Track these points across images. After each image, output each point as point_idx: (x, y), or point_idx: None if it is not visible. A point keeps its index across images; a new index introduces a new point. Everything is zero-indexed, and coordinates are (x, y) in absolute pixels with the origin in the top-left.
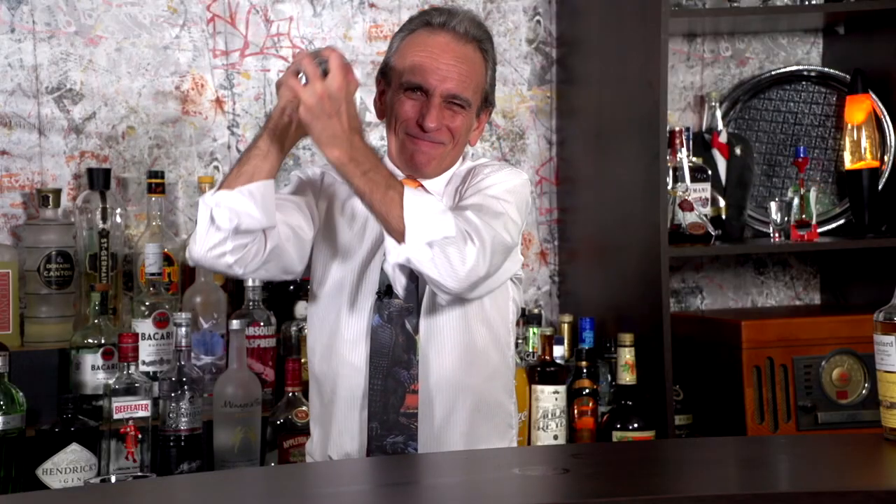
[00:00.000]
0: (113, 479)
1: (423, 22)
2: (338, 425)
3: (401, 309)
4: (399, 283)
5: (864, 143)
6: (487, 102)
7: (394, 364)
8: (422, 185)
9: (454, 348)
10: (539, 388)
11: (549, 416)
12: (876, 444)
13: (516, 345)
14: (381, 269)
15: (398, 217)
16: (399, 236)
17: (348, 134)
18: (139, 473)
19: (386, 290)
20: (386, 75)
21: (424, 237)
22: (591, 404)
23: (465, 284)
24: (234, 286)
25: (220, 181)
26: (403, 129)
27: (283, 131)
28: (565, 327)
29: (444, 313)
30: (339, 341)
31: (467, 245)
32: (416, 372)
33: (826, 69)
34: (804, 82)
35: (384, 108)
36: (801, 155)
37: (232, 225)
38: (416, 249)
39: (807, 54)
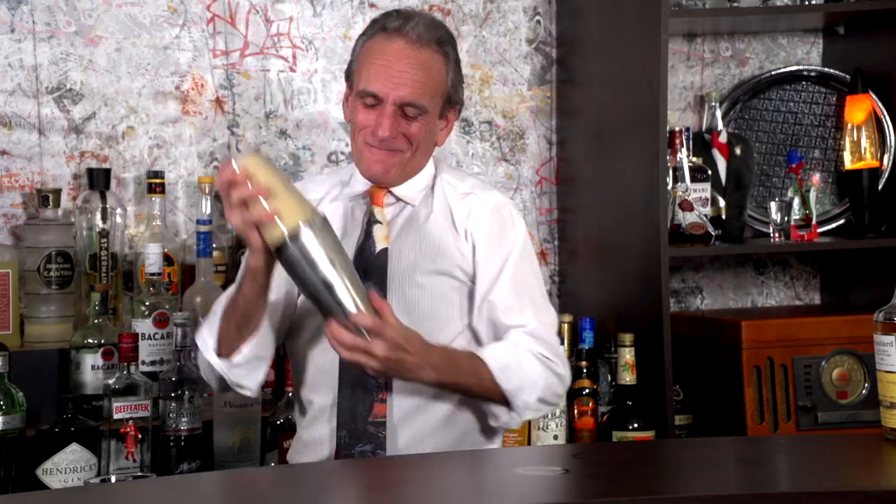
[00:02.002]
0: (113, 479)
1: (380, 27)
2: (311, 433)
3: None
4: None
5: (864, 143)
6: (451, 102)
7: (363, 372)
8: (390, 192)
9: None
10: None
11: (549, 416)
12: (876, 444)
13: None
14: None
15: (498, 392)
16: (506, 405)
17: (423, 356)
18: (139, 473)
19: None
20: (349, 79)
21: (529, 399)
22: (591, 404)
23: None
24: None
25: (218, 331)
26: (362, 137)
27: (264, 271)
28: (565, 327)
29: (408, 324)
30: (313, 348)
31: (556, 375)
32: (383, 380)
33: (826, 69)
34: (804, 82)
35: (348, 113)
36: (795, 161)
37: (253, 384)
38: (528, 411)
39: (807, 54)
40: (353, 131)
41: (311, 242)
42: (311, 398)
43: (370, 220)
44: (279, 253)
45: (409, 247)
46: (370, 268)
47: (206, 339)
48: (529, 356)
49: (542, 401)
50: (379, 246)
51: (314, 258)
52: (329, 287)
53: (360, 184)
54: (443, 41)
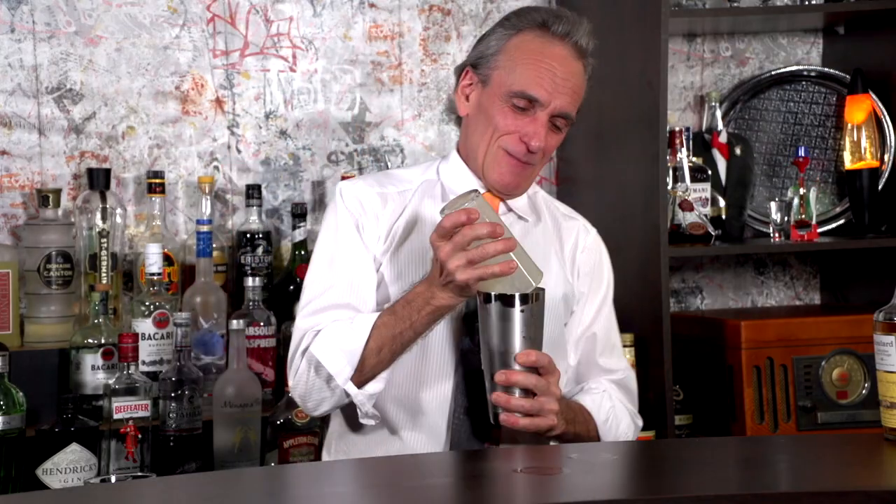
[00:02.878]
0: (113, 479)
1: (537, 24)
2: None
3: None
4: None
5: (864, 143)
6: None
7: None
8: (503, 201)
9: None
10: None
11: None
12: (876, 444)
13: None
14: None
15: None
16: None
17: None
18: (139, 473)
19: (474, 312)
20: (480, 70)
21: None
22: None
23: None
24: (234, 286)
25: (359, 360)
26: (503, 143)
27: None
28: None
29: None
30: (424, 367)
31: (637, 429)
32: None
33: (826, 69)
34: (804, 82)
35: (471, 105)
36: (802, 155)
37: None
38: None
39: (807, 54)
40: (483, 130)
41: (542, 304)
42: (416, 419)
43: None
44: (486, 301)
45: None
46: None
47: (343, 367)
48: (624, 411)
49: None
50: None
51: (539, 319)
52: (504, 349)
53: (474, 185)
54: (591, 56)
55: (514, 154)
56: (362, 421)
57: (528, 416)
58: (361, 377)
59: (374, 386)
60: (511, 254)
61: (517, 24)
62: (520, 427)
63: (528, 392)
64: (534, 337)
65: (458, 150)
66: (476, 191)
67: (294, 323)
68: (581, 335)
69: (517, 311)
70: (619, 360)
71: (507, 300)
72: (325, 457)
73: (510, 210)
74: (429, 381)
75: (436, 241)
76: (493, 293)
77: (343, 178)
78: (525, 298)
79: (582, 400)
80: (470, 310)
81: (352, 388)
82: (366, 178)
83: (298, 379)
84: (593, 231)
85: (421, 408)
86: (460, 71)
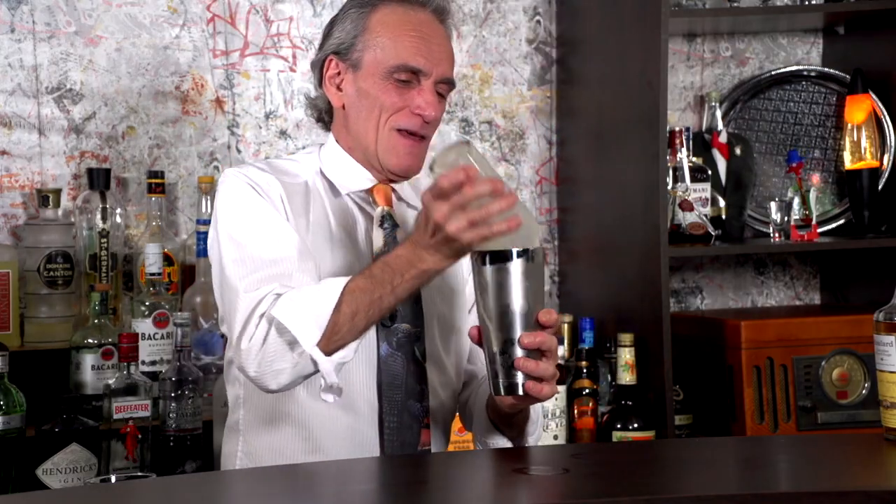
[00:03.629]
0: (113, 479)
1: None
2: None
3: (409, 334)
4: (409, 307)
5: (864, 143)
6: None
7: (408, 397)
8: (394, 191)
9: (453, 372)
10: None
11: (549, 416)
12: (876, 444)
13: None
14: None
15: None
16: None
17: None
18: (139, 473)
19: (390, 315)
20: (346, 56)
21: None
22: (591, 404)
23: None
24: None
25: (328, 326)
26: (394, 122)
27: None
28: (565, 327)
29: (443, 335)
30: (343, 380)
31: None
32: (427, 404)
33: (826, 69)
34: (804, 82)
35: (346, 94)
36: (795, 161)
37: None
38: None
39: (807, 54)
40: (373, 115)
41: (541, 260)
42: (338, 432)
43: (389, 225)
44: (494, 262)
45: None
46: None
47: (311, 331)
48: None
49: None
50: None
51: (539, 278)
52: (527, 310)
53: (363, 179)
54: (451, 15)
55: (410, 129)
56: (323, 396)
57: (542, 382)
58: (329, 345)
59: (342, 354)
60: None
61: (363, 1)
62: (543, 395)
63: (537, 354)
64: (542, 294)
65: (339, 142)
66: (468, 141)
67: (237, 296)
68: None
69: (532, 267)
70: None
71: (524, 256)
72: (231, 448)
73: (400, 199)
74: (351, 394)
75: (430, 201)
76: (513, 250)
77: None
78: (534, 254)
79: None
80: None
81: (319, 355)
82: (255, 165)
83: (253, 345)
84: None
85: (345, 423)
86: (321, 64)
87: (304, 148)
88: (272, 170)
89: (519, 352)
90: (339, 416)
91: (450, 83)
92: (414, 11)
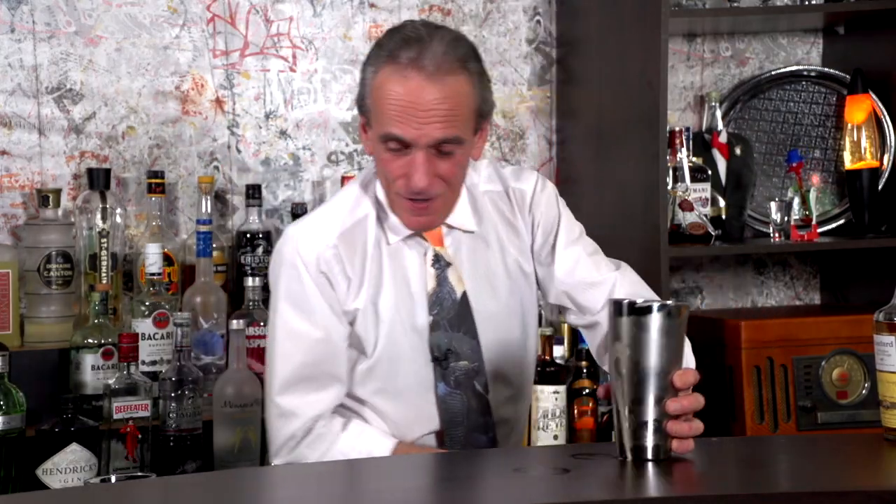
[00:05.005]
0: (113, 479)
1: (389, 56)
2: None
3: (467, 370)
4: (466, 344)
5: (864, 143)
6: (483, 115)
7: (470, 431)
8: (444, 223)
9: (520, 399)
10: (539, 388)
11: (549, 416)
12: (876, 444)
13: None
14: (433, 330)
15: None
16: None
17: None
18: (139, 473)
19: (444, 354)
20: (362, 112)
21: None
22: (591, 404)
23: None
24: (234, 286)
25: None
26: (395, 188)
27: None
28: (565, 327)
29: (505, 366)
30: (402, 418)
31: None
32: (493, 434)
33: (826, 69)
34: (804, 82)
35: (368, 146)
36: (795, 160)
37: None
38: None
39: (807, 54)
40: (382, 178)
41: (683, 318)
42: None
43: (439, 264)
44: (631, 313)
45: (484, 281)
46: (454, 318)
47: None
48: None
49: None
50: (458, 290)
51: (678, 336)
52: (661, 370)
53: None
54: (464, 59)
55: (407, 196)
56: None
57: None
58: None
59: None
60: None
61: (375, 60)
62: (687, 451)
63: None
64: (681, 353)
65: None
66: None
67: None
68: (564, 280)
69: (673, 324)
70: (605, 268)
71: (664, 310)
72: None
73: (452, 228)
74: (412, 430)
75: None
76: (653, 303)
77: (343, 179)
78: (676, 309)
79: None
80: (441, 352)
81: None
82: (315, 226)
83: (278, 452)
84: (537, 185)
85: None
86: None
87: (303, 148)
88: (334, 236)
89: (650, 413)
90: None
91: (451, 142)
92: (404, 76)
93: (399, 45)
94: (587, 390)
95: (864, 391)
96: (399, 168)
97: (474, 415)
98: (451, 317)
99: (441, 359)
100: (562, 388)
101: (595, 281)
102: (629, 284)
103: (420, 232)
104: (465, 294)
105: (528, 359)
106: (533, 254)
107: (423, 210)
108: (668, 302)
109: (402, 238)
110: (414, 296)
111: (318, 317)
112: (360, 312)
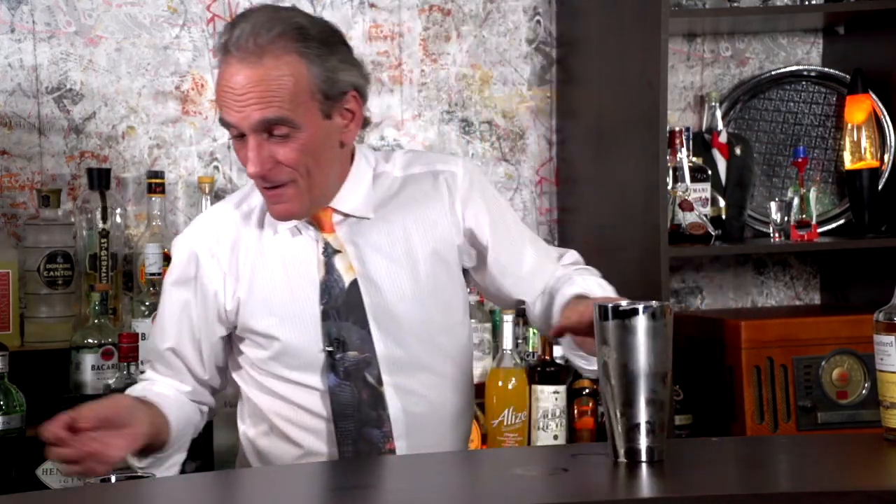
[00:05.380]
0: (113, 479)
1: (219, 42)
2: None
3: (358, 361)
4: (355, 333)
5: (864, 143)
6: (332, 96)
7: (362, 425)
8: (335, 210)
9: (425, 392)
10: (539, 388)
11: (549, 416)
12: (876, 444)
13: (516, 345)
14: (324, 319)
15: None
16: None
17: None
18: (139, 473)
19: (336, 344)
20: None
21: None
22: (591, 404)
23: None
24: None
25: None
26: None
27: None
28: None
29: (405, 356)
30: (291, 411)
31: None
32: (388, 428)
33: (826, 69)
34: (804, 82)
35: None
36: (801, 155)
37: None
38: None
39: (807, 54)
40: None
41: (668, 318)
42: (298, 438)
43: (327, 251)
44: (616, 317)
45: (384, 269)
46: (342, 306)
47: None
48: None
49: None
50: (346, 279)
51: (664, 336)
52: (649, 371)
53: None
54: (288, 35)
55: (261, 185)
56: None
57: None
58: None
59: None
60: None
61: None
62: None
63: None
64: (668, 354)
65: None
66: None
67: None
68: (495, 265)
69: (658, 326)
70: (544, 259)
71: (648, 312)
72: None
73: (346, 216)
74: (303, 421)
75: None
76: (638, 305)
77: None
78: (660, 310)
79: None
80: (330, 342)
81: None
82: (205, 224)
83: None
84: (466, 167)
85: (295, 455)
86: None
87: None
88: (220, 224)
89: (641, 415)
90: (288, 449)
91: (277, 122)
92: (226, 62)
93: (225, 30)
94: (587, 390)
95: (864, 391)
96: (244, 157)
97: (365, 408)
98: (339, 305)
99: (331, 349)
100: (562, 388)
101: (526, 267)
102: (561, 270)
103: (309, 220)
104: (354, 282)
105: (459, 343)
106: (465, 236)
107: (277, 197)
108: (652, 303)
109: (292, 227)
110: (306, 285)
111: (169, 332)
112: (246, 303)
